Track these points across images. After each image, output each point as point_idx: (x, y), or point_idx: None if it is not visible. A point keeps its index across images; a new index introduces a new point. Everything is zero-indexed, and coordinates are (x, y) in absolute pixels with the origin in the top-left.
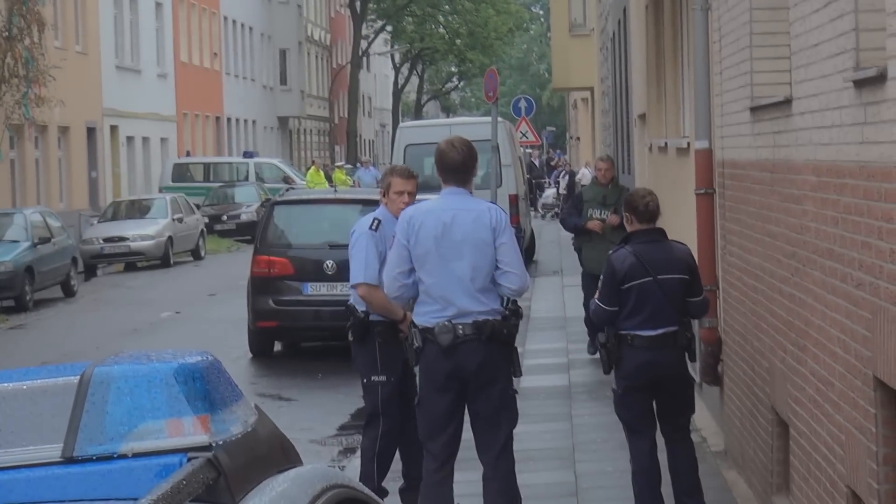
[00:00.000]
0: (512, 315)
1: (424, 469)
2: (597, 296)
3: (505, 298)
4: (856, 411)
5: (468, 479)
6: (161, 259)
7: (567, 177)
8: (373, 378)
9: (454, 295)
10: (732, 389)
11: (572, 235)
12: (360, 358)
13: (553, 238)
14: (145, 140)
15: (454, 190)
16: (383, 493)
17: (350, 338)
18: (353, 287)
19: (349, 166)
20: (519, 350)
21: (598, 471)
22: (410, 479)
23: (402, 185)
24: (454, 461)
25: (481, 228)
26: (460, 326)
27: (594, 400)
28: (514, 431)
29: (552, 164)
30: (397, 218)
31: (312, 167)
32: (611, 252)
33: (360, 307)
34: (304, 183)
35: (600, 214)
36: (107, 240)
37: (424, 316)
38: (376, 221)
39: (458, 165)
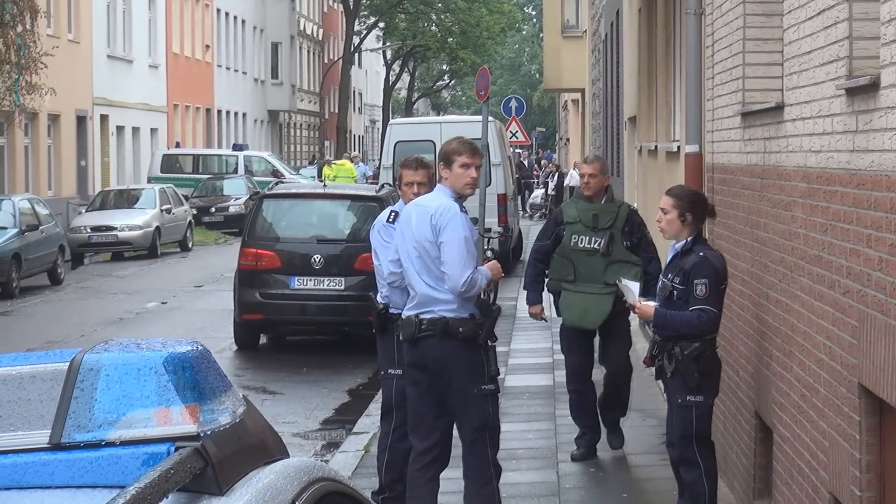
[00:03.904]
0: (481, 313)
1: (410, 461)
2: (706, 305)
3: (479, 295)
4: (840, 418)
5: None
6: (148, 249)
7: (556, 177)
8: (389, 371)
9: (418, 290)
10: None
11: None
12: (380, 350)
13: None
14: (135, 130)
15: (439, 186)
16: (384, 490)
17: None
18: None
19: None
20: (504, 349)
21: (580, 471)
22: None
23: (410, 177)
24: (436, 454)
25: (424, 227)
26: (424, 322)
27: None
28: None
29: (540, 164)
30: None
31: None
32: (701, 253)
33: (381, 300)
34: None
35: (591, 242)
36: (94, 229)
37: (404, 309)
38: (393, 214)
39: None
